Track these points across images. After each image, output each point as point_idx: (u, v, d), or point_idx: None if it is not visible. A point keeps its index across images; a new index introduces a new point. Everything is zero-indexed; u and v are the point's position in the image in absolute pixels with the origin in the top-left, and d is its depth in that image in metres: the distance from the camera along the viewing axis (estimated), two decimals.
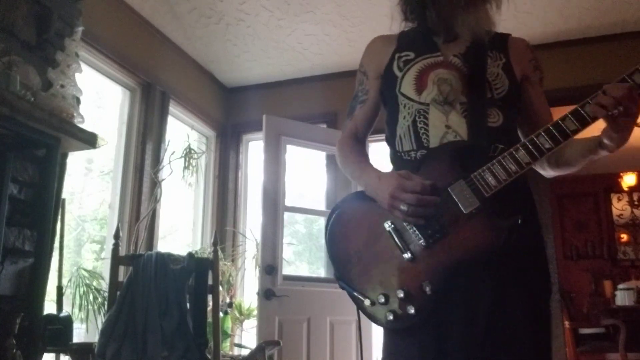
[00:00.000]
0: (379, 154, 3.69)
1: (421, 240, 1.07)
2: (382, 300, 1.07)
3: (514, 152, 1.04)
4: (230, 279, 3.42)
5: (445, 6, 1.21)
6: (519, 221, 1.02)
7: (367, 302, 1.10)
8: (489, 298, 1.07)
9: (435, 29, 1.27)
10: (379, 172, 1.15)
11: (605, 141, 1.05)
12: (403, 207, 1.05)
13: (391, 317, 1.05)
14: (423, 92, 1.19)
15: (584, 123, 1.03)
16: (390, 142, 1.27)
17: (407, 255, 1.07)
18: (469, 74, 1.19)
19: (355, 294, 1.13)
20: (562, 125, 1.03)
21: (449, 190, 1.06)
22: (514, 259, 1.06)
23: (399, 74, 1.25)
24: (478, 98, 1.15)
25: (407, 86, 1.22)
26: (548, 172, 1.26)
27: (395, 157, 1.25)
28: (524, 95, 1.25)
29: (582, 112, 1.03)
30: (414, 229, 1.08)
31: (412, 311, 1.03)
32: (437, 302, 1.03)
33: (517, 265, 1.08)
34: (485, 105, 1.15)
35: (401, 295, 1.05)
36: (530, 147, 1.03)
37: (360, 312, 1.16)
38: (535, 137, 1.04)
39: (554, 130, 1.03)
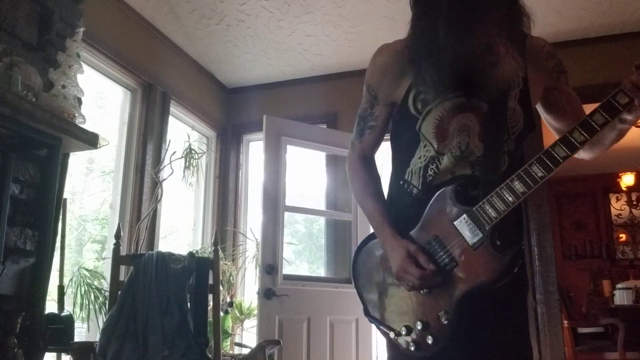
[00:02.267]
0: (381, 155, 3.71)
1: None
2: (405, 332, 1.16)
3: (509, 183, 1.08)
4: (231, 278, 3.43)
5: (461, 56, 1.11)
6: (522, 248, 1.11)
7: (392, 334, 1.19)
8: (487, 318, 1.16)
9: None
10: (393, 240, 1.18)
11: (627, 115, 1.06)
12: (409, 283, 1.14)
13: (413, 348, 1.14)
14: (442, 142, 1.19)
15: (573, 149, 1.05)
16: (400, 166, 1.28)
17: (423, 291, 1.15)
18: (488, 116, 1.16)
19: (382, 327, 1.22)
20: (552, 152, 1.06)
21: (455, 224, 1.12)
22: (505, 291, 1.13)
23: (417, 115, 1.21)
24: (495, 146, 1.16)
25: (427, 130, 1.20)
26: (582, 156, 1.25)
27: (398, 185, 1.27)
28: (551, 102, 1.26)
29: (571, 138, 1.05)
30: None
31: (430, 341, 1.11)
32: (454, 330, 1.10)
33: (505, 295, 1.15)
34: (501, 155, 1.17)
35: (419, 326, 1.14)
36: (524, 176, 1.07)
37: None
38: (529, 166, 1.07)
39: (545, 159, 1.06)
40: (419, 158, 1.23)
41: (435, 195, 1.17)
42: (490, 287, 1.08)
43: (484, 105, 1.17)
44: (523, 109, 1.18)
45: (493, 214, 1.08)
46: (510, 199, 1.07)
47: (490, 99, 1.16)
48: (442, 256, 1.13)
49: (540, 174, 1.06)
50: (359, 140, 1.35)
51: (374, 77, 1.30)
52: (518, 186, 1.07)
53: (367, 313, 1.26)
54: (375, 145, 1.36)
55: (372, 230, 1.29)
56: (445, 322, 1.10)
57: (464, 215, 1.11)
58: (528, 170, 1.07)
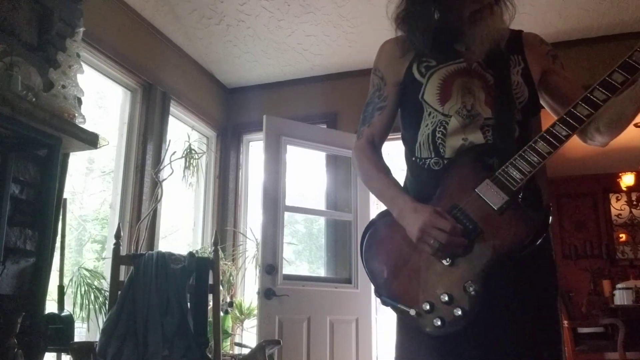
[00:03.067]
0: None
1: None
2: (427, 307, 1.06)
3: (533, 145, 1.07)
4: (231, 278, 3.43)
5: (452, 21, 1.20)
6: (550, 210, 1.06)
7: (412, 312, 1.09)
8: (508, 306, 1.10)
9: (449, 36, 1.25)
10: (415, 204, 1.13)
11: None
12: (433, 243, 1.06)
13: (439, 323, 1.04)
14: (446, 103, 1.19)
15: (596, 106, 1.06)
16: (409, 145, 1.27)
17: (445, 261, 1.08)
18: (494, 85, 1.19)
19: (400, 306, 1.11)
20: (575, 112, 1.07)
21: (477, 191, 1.09)
22: (531, 264, 1.10)
23: (421, 79, 1.23)
24: (505, 114, 1.16)
25: (430, 95, 1.21)
26: (604, 139, 1.22)
27: (412, 162, 1.25)
28: (552, 86, 1.26)
29: (592, 97, 1.06)
30: None
31: (460, 313, 1.02)
32: (483, 302, 1.03)
33: (533, 271, 1.12)
34: (512, 121, 1.17)
35: (445, 299, 1.04)
36: (547, 137, 1.06)
37: (400, 323, 1.18)
38: (551, 127, 1.07)
39: (568, 119, 1.07)
40: (426, 126, 1.21)
41: (452, 165, 1.15)
42: (520, 251, 1.03)
43: (487, 75, 1.20)
44: (527, 84, 1.20)
45: (518, 175, 1.05)
46: (535, 159, 1.05)
47: (489, 64, 1.20)
48: (465, 224, 1.07)
49: (564, 133, 1.06)
50: (367, 125, 1.31)
51: (380, 62, 1.34)
52: (542, 147, 1.06)
53: (379, 294, 1.17)
54: (384, 130, 1.32)
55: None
56: (473, 292, 1.02)
57: (487, 180, 1.08)
58: (551, 131, 1.06)
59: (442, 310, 1.05)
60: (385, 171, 1.26)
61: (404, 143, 1.31)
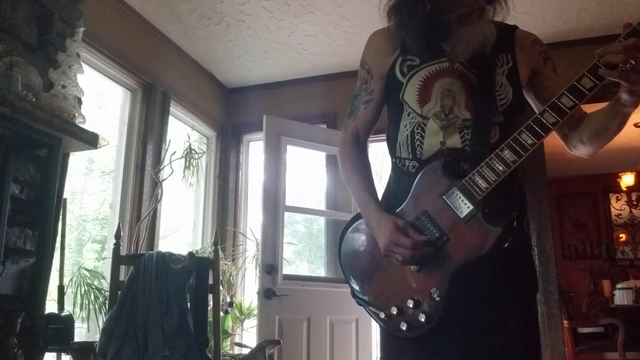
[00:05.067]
0: (379, 155, 3.71)
1: None
2: (395, 312, 1.11)
3: (499, 152, 1.06)
4: (231, 278, 3.43)
5: (440, 21, 1.19)
6: (515, 218, 1.05)
7: (382, 315, 1.14)
8: (486, 299, 1.11)
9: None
10: (379, 216, 1.15)
11: (625, 97, 1.02)
12: (397, 257, 1.10)
13: (405, 327, 1.09)
14: (425, 105, 1.19)
15: (562, 114, 1.03)
16: (392, 143, 1.27)
17: (413, 267, 1.11)
18: (476, 86, 1.17)
19: (371, 308, 1.17)
20: (542, 119, 1.05)
21: (444, 198, 1.09)
22: (507, 258, 1.09)
23: (402, 79, 1.23)
24: (483, 116, 1.15)
25: (410, 95, 1.21)
26: (587, 150, 1.21)
27: (393, 162, 1.26)
28: (538, 88, 1.24)
29: (559, 103, 1.03)
30: None
31: (423, 319, 1.06)
32: (446, 307, 1.05)
33: (510, 265, 1.11)
34: (490, 125, 1.15)
35: (411, 304, 1.08)
36: (514, 145, 1.05)
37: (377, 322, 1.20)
38: (518, 134, 1.05)
39: (534, 126, 1.05)
40: (405, 127, 1.21)
41: (423, 169, 1.14)
42: (481, 260, 1.04)
43: (471, 76, 1.18)
44: (511, 85, 1.19)
45: (483, 184, 1.05)
46: (500, 168, 1.04)
47: (473, 64, 1.18)
48: (432, 231, 1.09)
49: (530, 142, 1.04)
50: (352, 118, 1.32)
51: (367, 55, 1.34)
52: (508, 155, 1.05)
53: (354, 295, 1.21)
54: (370, 124, 1.32)
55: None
56: (438, 298, 1.05)
57: (454, 188, 1.08)
58: (517, 139, 1.05)
59: (409, 315, 1.09)
60: (363, 173, 1.27)
61: (387, 141, 1.30)
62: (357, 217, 1.25)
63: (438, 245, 1.08)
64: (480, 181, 1.06)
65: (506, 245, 1.04)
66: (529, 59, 1.24)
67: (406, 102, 1.21)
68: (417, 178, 1.15)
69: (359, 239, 1.23)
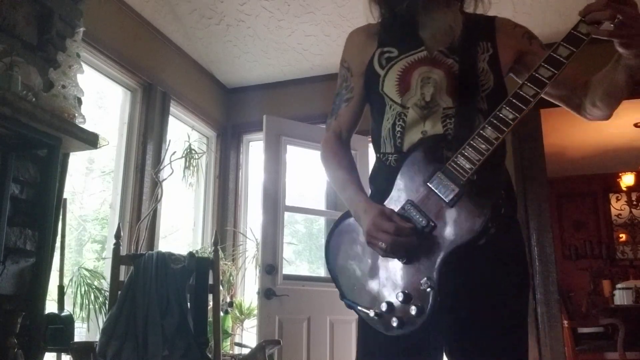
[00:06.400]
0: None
1: None
2: (385, 308, 1.05)
3: (481, 132, 1.04)
4: (231, 278, 3.43)
5: (407, 9, 1.20)
6: (502, 195, 1.04)
7: (371, 313, 1.08)
8: (477, 290, 1.09)
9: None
10: (367, 203, 1.12)
11: (623, 50, 1.03)
12: (380, 244, 1.05)
13: (396, 324, 1.03)
14: (405, 94, 1.18)
15: (542, 85, 1.02)
16: (376, 140, 1.26)
17: (401, 260, 1.07)
18: (457, 73, 1.17)
19: (359, 308, 1.10)
20: (521, 92, 1.04)
21: (429, 185, 1.06)
22: (499, 250, 1.08)
23: (380, 72, 1.23)
24: (467, 103, 1.14)
25: (389, 87, 1.20)
26: (603, 112, 1.19)
27: (377, 158, 1.25)
28: (529, 66, 1.21)
29: (537, 75, 1.03)
30: None
31: (414, 312, 1.00)
32: (438, 297, 1.00)
33: (499, 250, 1.10)
34: (474, 112, 1.14)
35: (400, 298, 1.03)
36: (495, 122, 1.03)
37: (360, 323, 1.17)
38: (498, 111, 1.04)
39: (514, 100, 1.04)
40: (387, 120, 1.20)
41: (405, 161, 1.12)
42: (472, 243, 1.00)
43: (452, 63, 1.18)
44: (492, 72, 1.18)
45: (467, 165, 1.02)
46: (483, 146, 1.02)
47: (453, 51, 1.18)
48: (418, 219, 1.05)
49: (511, 116, 1.02)
50: (334, 117, 1.31)
51: (346, 53, 1.35)
52: (490, 132, 1.02)
53: (342, 296, 1.16)
54: (352, 122, 1.30)
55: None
56: (428, 289, 0.99)
57: (438, 173, 1.05)
58: (498, 115, 1.03)
59: (400, 310, 1.03)
60: (348, 168, 1.24)
61: (372, 139, 1.28)
62: (344, 216, 1.22)
63: (425, 233, 1.04)
64: (464, 162, 1.03)
65: (496, 224, 1.01)
66: (514, 41, 1.23)
67: (386, 95, 1.21)
68: (400, 170, 1.12)
69: (346, 238, 1.19)
